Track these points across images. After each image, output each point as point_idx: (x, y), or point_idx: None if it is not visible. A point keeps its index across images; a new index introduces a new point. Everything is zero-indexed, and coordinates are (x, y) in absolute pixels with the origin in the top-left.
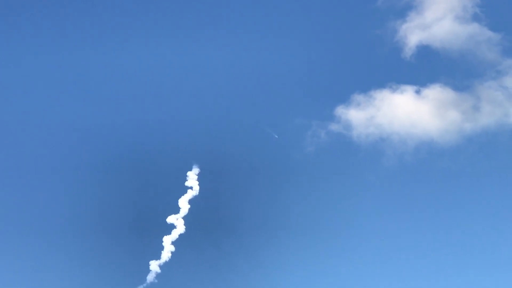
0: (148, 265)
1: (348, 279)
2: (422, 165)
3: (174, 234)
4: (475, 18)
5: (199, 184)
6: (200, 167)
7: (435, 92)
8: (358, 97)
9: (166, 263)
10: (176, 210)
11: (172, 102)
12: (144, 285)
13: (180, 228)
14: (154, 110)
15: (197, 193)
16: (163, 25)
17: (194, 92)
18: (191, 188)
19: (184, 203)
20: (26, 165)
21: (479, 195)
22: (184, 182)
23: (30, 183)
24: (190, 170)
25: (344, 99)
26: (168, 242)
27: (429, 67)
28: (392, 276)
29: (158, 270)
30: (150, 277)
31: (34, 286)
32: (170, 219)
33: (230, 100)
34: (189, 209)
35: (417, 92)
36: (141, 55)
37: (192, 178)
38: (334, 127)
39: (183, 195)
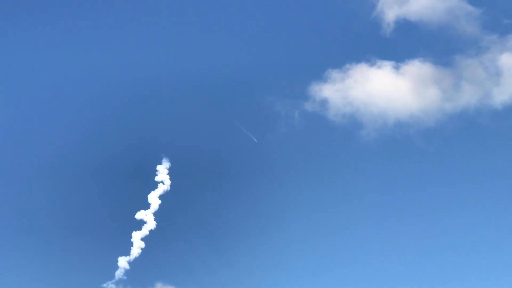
0: (117, 261)
1: (332, 261)
2: (400, 145)
3: (144, 230)
4: None
5: (170, 179)
6: (171, 161)
7: (414, 68)
8: (333, 73)
9: (135, 259)
10: (146, 205)
11: (140, 93)
12: (113, 281)
13: (150, 224)
14: (121, 101)
15: (169, 188)
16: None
17: (162, 80)
18: (162, 182)
19: (154, 199)
20: None
21: (457, 178)
22: (154, 177)
23: None
24: (160, 164)
25: (319, 75)
26: (137, 238)
27: (407, 42)
28: (377, 254)
29: (127, 267)
30: (118, 273)
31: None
32: (140, 214)
33: (199, 83)
34: (160, 205)
35: (396, 68)
36: (110, 46)
37: (162, 173)
38: (308, 106)
39: (153, 190)
